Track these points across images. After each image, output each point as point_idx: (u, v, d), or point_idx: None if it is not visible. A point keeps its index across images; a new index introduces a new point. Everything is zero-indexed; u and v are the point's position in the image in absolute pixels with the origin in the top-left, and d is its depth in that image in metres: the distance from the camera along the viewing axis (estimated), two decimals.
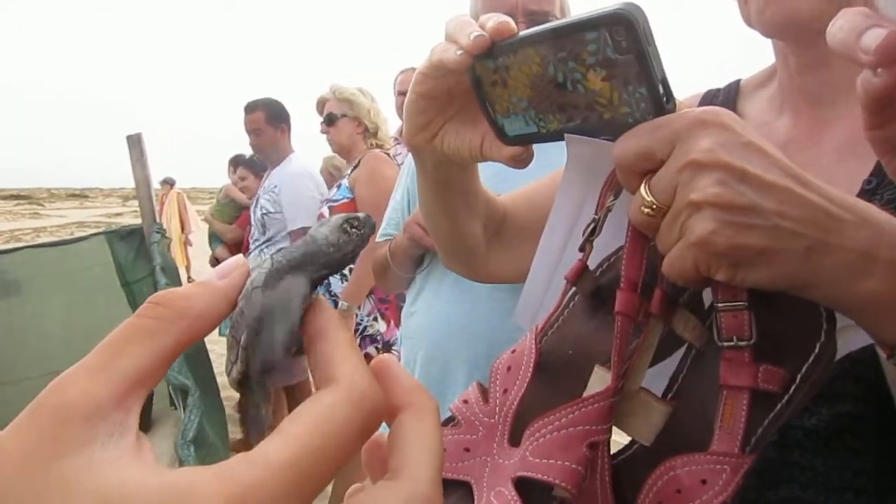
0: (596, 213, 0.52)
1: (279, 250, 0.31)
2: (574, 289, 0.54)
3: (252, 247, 3.42)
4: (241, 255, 0.31)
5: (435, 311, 1.44)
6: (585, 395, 0.47)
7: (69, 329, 4.27)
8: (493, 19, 0.52)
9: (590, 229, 0.52)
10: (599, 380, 0.48)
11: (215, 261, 4.94)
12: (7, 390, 4.22)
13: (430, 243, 1.36)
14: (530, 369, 0.51)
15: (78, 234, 5.86)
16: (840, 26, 0.39)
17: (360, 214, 0.32)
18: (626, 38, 0.43)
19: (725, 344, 0.46)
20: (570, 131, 0.51)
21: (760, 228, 0.42)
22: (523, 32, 0.50)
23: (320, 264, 0.30)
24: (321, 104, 2.89)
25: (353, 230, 0.31)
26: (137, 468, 0.21)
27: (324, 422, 0.23)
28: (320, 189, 3.27)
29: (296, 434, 0.22)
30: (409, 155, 1.67)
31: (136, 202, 3.84)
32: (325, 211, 2.71)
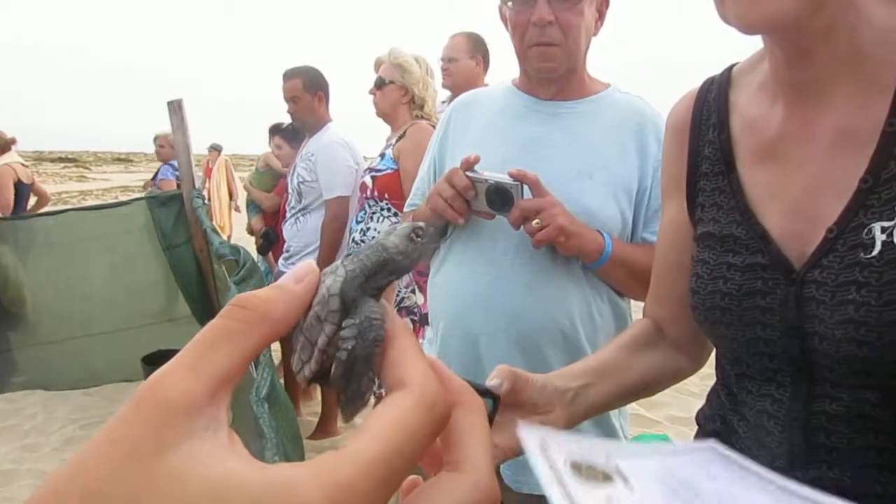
0: None
1: (348, 256, 0.33)
2: None
3: (288, 214, 3.44)
4: (312, 261, 0.32)
5: (457, 282, 1.43)
6: None
7: (111, 291, 4.38)
8: None
9: None
10: None
11: (251, 229, 5.01)
12: (52, 349, 4.36)
13: (452, 216, 1.34)
14: None
15: (122, 197, 6.00)
16: None
17: (424, 224, 0.34)
18: None
19: None
20: None
21: None
22: None
23: (389, 271, 0.33)
24: (378, 65, 2.87)
25: (419, 239, 0.33)
26: (238, 461, 0.23)
27: (402, 423, 0.25)
28: (356, 158, 3.26)
29: (379, 435, 0.24)
30: (440, 121, 1.64)
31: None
32: (368, 180, 2.70)
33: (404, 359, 0.29)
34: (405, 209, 1.72)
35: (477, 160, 1.31)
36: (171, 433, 0.22)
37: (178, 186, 5.65)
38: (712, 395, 0.94)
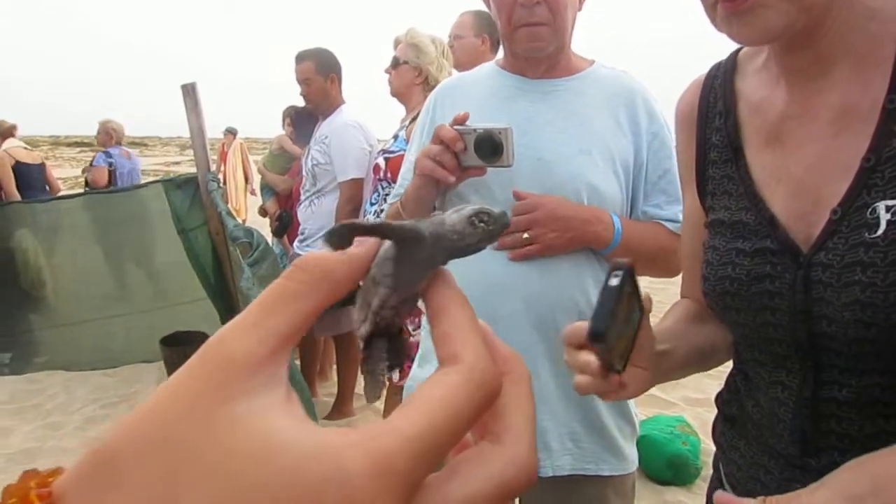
0: None
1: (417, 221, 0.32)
2: None
3: (303, 197, 3.45)
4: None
5: (468, 269, 1.40)
6: None
7: (129, 273, 4.44)
8: None
9: None
10: None
11: (263, 212, 5.03)
12: (73, 331, 4.42)
13: (442, 175, 1.29)
14: None
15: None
16: None
17: (495, 211, 0.32)
18: None
19: None
20: None
21: None
22: None
23: (443, 248, 0.31)
24: (396, 44, 2.86)
25: (481, 224, 0.31)
26: (291, 420, 0.23)
27: (449, 400, 0.25)
28: (369, 140, 3.25)
29: (424, 410, 0.25)
30: (423, 109, 1.60)
31: (192, 151, 3.91)
32: (381, 161, 2.70)
33: (457, 333, 0.29)
34: (390, 199, 1.66)
35: (467, 116, 1.28)
36: (233, 388, 0.23)
37: (110, 175, 5.73)
38: (730, 379, 0.94)
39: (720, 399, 0.96)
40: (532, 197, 1.32)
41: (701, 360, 0.94)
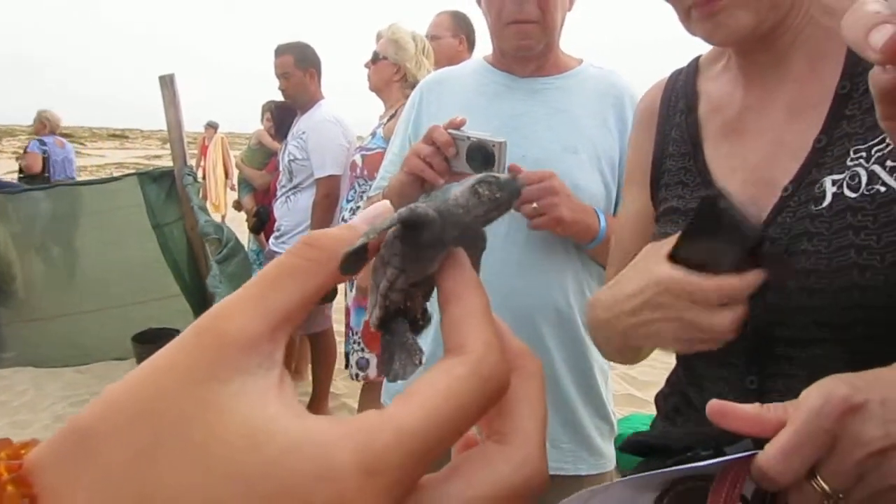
0: None
1: (422, 200, 0.30)
2: None
3: (279, 192, 3.41)
4: (387, 202, 0.30)
5: None
6: None
7: (102, 268, 4.34)
8: None
9: None
10: None
11: (238, 205, 4.98)
12: (43, 326, 4.33)
13: (431, 176, 1.26)
14: None
15: (116, 174, 6.00)
16: (852, 23, 0.40)
17: (501, 177, 0.29)
18: None
19: None
20: None
21: None
22: None
23: (451, 223, 0.28)
24: (378, 38, 2.85)
25: (486, 193, 0.28)
26: (281, 407, 0.22)
27: (452, 394, 0.23)
28: (348, 136, 3.23)
29: (424, 403, 0.23)
30: (408, 102, 1.59)
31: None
32: (358, 158, 2.68)
33: (467, 321, 0.26)
34: (371, 192, 1.63)
35: (463, 122, 1.26)
36: (225, 366, 0.22)
37: (44, 162, 5.80)
38: (671, 375, 0.95)
39: (660, 397, 0.96)
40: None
41: None
